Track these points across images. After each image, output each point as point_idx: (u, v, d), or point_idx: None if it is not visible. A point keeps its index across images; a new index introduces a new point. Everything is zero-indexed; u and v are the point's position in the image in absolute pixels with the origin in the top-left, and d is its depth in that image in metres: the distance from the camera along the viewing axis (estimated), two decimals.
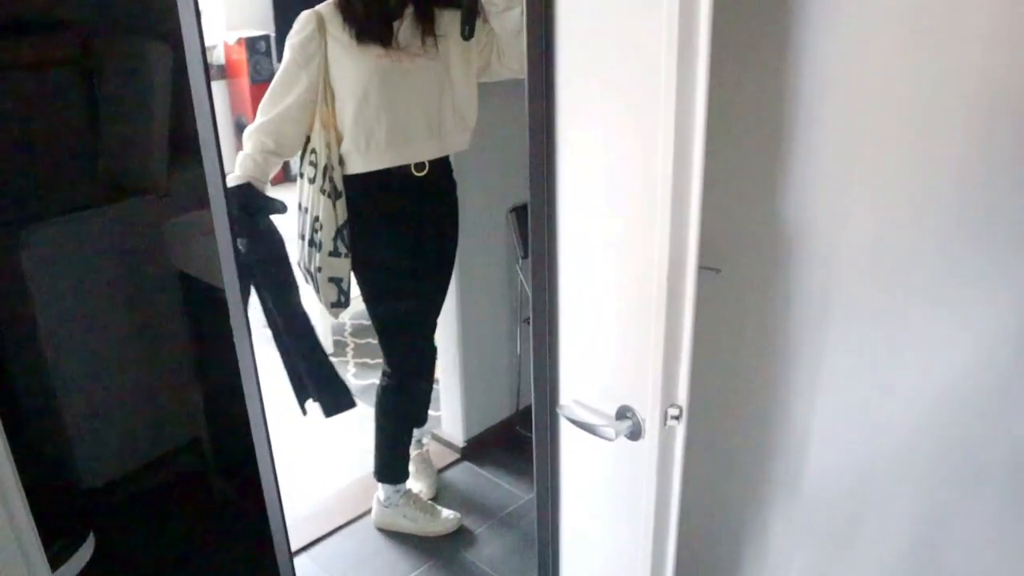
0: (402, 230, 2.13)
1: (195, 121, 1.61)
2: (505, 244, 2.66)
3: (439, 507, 2.52)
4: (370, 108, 1.96)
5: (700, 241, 1.06)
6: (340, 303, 2.10)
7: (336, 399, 2.22)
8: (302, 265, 2.12)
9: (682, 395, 1.14)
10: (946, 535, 1.30)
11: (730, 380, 1.46)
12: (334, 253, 2.04)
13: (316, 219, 2.02)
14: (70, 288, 2.29)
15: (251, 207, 1.97)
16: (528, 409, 3.01)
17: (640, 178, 1.07)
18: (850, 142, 1.19)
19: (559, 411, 1.27)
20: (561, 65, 1.13)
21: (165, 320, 2.48)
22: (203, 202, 1.72)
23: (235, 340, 1.79)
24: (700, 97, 0.98)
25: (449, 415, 2.87)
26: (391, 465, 2.44)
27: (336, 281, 2.08)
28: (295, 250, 2.11)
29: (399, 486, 2.46)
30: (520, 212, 2.60)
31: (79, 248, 2.30)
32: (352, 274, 2.10)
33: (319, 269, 2.05)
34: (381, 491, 2.47)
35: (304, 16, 1.97)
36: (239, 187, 1.95)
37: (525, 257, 2.60)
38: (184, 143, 2.32)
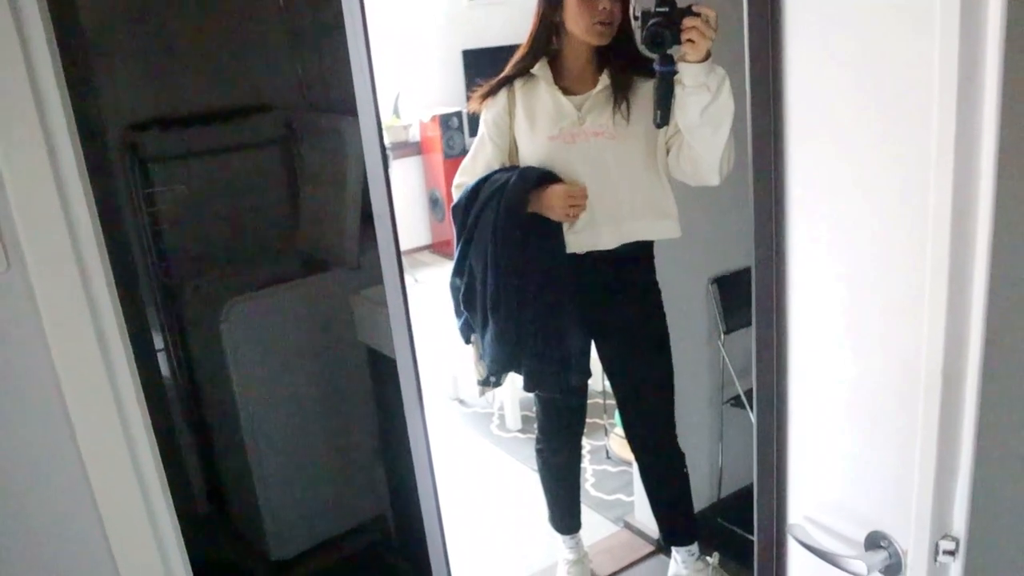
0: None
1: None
2: (706, 317, 2.43)
3: None
4: None
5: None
6: (488, 381, 2.07)
7: None
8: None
9: (959, 523, 0.87)
10: None
11: None
12: None
13: None
14: (264, 360, 2.32)
15: None
16: (731, 498, 2.73)
17: (903, 240, 0.84)
18: None
19: (788, 531, 1.03)
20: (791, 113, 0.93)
21: (352, 394, 2.46)
22: None
23: (407, 413, 1.71)
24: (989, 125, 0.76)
25: (643, 501, 2.62)
26: (551, 515, 2.44)
27: None
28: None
29: (565, 537, 2.42)
30: (723, 282, 2.37)
31: (274, 321, 2.33)
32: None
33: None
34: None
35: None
36: None
37: (728, 332, 2.37)
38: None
